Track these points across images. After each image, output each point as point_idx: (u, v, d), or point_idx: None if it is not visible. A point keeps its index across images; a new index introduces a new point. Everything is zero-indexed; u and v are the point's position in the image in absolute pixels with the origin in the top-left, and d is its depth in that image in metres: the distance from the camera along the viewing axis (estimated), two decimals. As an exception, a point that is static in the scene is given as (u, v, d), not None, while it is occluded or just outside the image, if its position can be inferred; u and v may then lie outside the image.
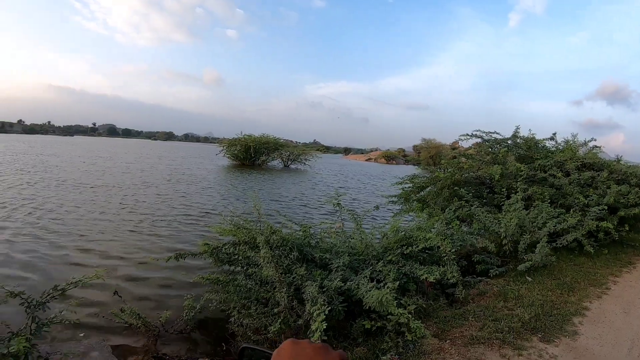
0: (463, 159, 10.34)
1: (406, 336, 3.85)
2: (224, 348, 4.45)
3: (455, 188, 8.70)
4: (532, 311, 4.83)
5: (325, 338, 3.62)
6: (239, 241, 4.99)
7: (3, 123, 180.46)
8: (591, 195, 8.32)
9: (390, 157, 76.98)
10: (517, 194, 7.37)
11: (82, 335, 4.64)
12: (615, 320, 5.10)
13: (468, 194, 7.95)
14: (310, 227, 5.23)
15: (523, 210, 6.89)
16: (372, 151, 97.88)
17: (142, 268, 7.10)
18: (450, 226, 6.22)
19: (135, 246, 8.47)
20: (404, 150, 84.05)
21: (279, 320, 3.91)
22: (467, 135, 10.22)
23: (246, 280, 4.33)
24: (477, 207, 7.41)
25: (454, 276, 4.75)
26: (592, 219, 7.46)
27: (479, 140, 10.35)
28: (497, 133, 10.32)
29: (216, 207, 13.59)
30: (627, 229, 8.31)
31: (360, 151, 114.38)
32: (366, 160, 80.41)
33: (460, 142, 11.71)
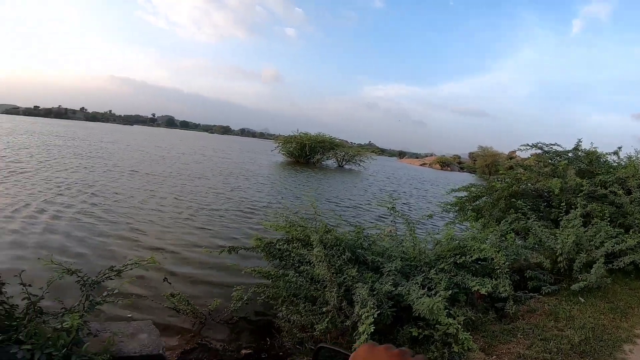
0: (521, 170, 10.35)
1: (453, 347, 4.08)
2: (268, 342, 4.78)
3: (512, 199, 8.78)
4: (582, 334, 5.08)
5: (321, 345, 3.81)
6: (292, 238, 5.29)
7: (67, 110, 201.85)
8: None
9: (445, 163, 78.47)
10: (577, 209, 7.46)
11: (129, 315, 5.07)
12: None
13: (525, 206, 8.03)
14: (363, 229, 5.52)
15: (581, 228, 7.04)
16: (426, 156, 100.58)
17: (193, 258, 7.75)
18: (504, 238, 6.37)
19: (186, 236, 9.23)
20: (459, 157, 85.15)
21: (327, 319, 4.23)
22: (527, 145, 10.27)
23: (297, 277, 4.64)
24: (534, 220, 7.53)
25: (505, 290, 5.00)
26: None
27: (538, 151, 10.37)
28: (557, 145, 10.55)
29: (269, 204, 14.58)
30: None
31: (415, 155, 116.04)
32: (420, 164, 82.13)
33: (518, 152, 11.73)
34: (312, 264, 4.69)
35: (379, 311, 3.98)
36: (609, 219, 8.15)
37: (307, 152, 38.23)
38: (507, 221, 7.51)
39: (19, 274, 3.21)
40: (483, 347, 4.54)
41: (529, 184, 9.76)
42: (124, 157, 25.32)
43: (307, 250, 4.92)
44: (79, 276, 3.57)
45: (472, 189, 10.62)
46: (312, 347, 4.34)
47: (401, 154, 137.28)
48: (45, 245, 7.65)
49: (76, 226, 8.98)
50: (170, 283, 5.46)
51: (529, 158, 11.87)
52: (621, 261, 7.13)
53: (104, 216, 10.08)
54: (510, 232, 6.74)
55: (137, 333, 3.85)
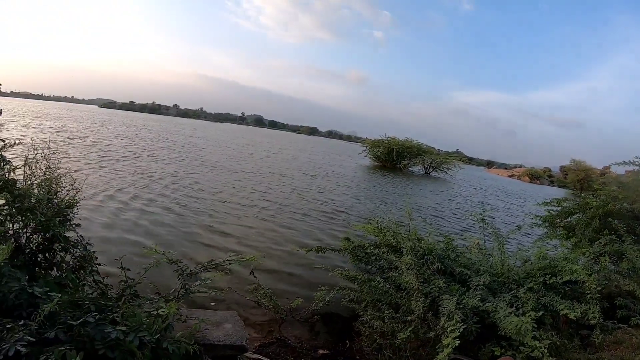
0: (616, 187, 10.23)
1: None
2: (347, 345, 5.07)
3: (608, 219, 8.73)
4: None
5: (454, 356, 4.03)
6: (381, 243, 5.54)
7: (160, 106, 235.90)
8: None
9: (534, 176, 79.54)
10: None
11: (213, 304, 5.50)
12: None
13: (622, 227, 8.03)
14: (452, 239, 5.74)
15: None
16: (515, 167, 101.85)
17: (277, 255, 8.56)
18: (597, 261, 6.44)
19: (271, 233, 10.28)
20: (549, 170, 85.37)
21: (410, 328, 4.52)
22: (624, 162, 10.09)
23: (383, 282, 4.88)
24: (629, 244, 7.51)
25: (595, 317, 5.14)
26: None
27: (635, 167, 10.20)
28: None
29: (353, 206, 15.76)
30: None
31: (504, 166, 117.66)
32: (509, 176, 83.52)
33: (613, 167, 11.58)
34: (399, 271, 4.93)
35: (465, 325, 4.22)
36: None
37: (395, 157, 40.62)
38: (600, 243, 7.55)
39: (119, 258, 3.63)
40: None
41: (625, 204, 9.63)
42: (211, 152, 28.87)
43: (396, 256, 5.18)
44: (178, 266, 4.13)
45: (565, 203, 10.57)
46: (391, 355, 4.59)
47: (489, 164, 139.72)
48: (134, 231, 8.84)
49: (163, 216, 10.36)
50: (256, 277, 5.92)
51: (624, 175, 11.61)
52: None
53: (191, 208, 11.60)
54: (604, 255, 6.77)
55: (222, 322, 4.25)
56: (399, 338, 4.55)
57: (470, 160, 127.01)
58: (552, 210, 10.84)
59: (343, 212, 14.19)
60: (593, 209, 9.55)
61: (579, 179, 56.36)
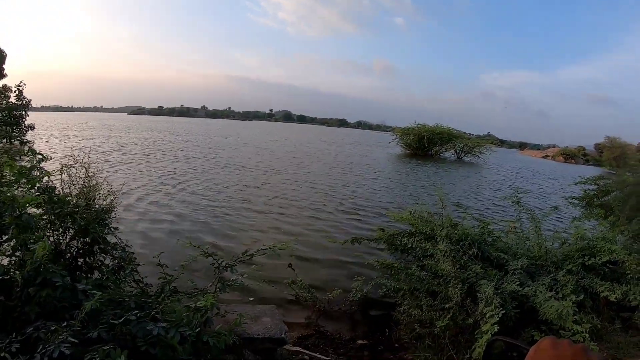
0: None
1: None
2: (387, 333, 5.07)
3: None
4: None
5: (496, 337, 3.96)
6: (415, 231, 5.50)
7: (188, 108, 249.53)
8: None
9: (568, 155, 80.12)
10: None
11: (251, 299, 5.55)
12: None
13: None
14: (488, 224, 5.68)
15: None
16: (549, 147, 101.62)
17: (315, 248, 8.66)
18: (636, 240, 6.34)
19: (306, 227, 10.41)
20: (584, 149, 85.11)
21: (448, 316, 4.45)
22: None
23: (419, 270, 4.85)
24: None
25: (636, 299, 5.00)
26: None
27: None
28: None
29: (386, 197, 15.82)
30: None
31: (537, 147, 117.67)
32: (542, 157, 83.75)
33: None
34: (435, 259, 4.88)
35: (503, 311, 4.17)
36: None
37: (426, 144, 40.59)
38: (638, 219, 7.42)
39: (157, 255, 3.66)
40: (606, 358, 4.62)
41: None
42: (242, 152, 29.54)
43: (431, 244, 5.13)
44: (214, 259, 4.13)
45: (601, 182, 10.45)
46: (430, 343, 4.58)
47: (522, 146, 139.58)
48: (171, 229, 9.24)
49: (195, 211, 10.93)
50: (294, 269, 5.98)
51: None
52: None
53: (222, 204, 12.11)
54: (642, 234, 6.67)
55: (260, 316, 4.28)
56: (438, 326, 4.50)
57: (502, 143, 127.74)
58: (588, 189, 10.75)
59: (377, 203, 14.12)
60: (630, 186, 9.41)
61: (614, 156, 55.56)
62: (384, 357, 4.98)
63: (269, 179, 17.37)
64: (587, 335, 4.20)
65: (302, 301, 5.68)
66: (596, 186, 10.65)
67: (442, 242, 4.84)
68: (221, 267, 4.08)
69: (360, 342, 5.11)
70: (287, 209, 12.15)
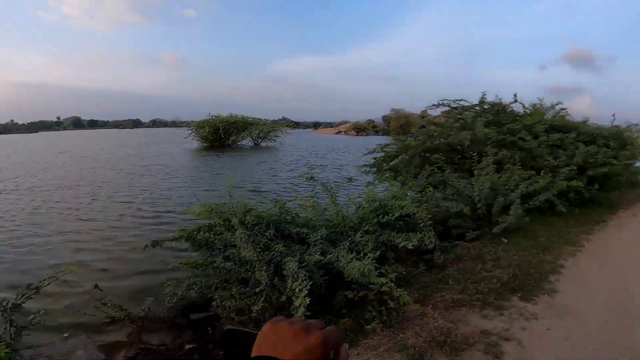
0: (432, 127, 11.48)
1: (389, 304, 4.53)
2: (210, 332, 5.04)
3: (427, 155, 9.67)
4: (510, 272, 5.99)
5: (309, 313, 4.16)
6: (214, 223, 5.53)
7: None
8: (560, 157, 10.17)
9: (360, 129, 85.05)
10: (488, 158, 8.42)
11: (66, 335, 5.24)
12: (591, 276, 6.43)
13: (440, 159, 8.89)
14: (285, 203, 5.87)
15: (495, 174, 8.04)
16: (341, 124, 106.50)
17: (120, 261, 8.06)
18: (423, 193, 7.01)
19: (108, 241, 9.60)
20: (373, 122, 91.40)
21: (261, 299, 4.58)
22: (434, 105, 11.52)
23: (224, 261, 4.95)
24: (449, 172, 8.36)
25: (431, 242, 5.64)
26: (562, 180, 9.15)
27: (447, 108, 11.56)
28: (464, 100, 12.09)
29: (182, 195, 15.21)
30: (596, 187, 10.20)
31: (330, 125, 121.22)
32: (336, 133, 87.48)
33: (429, 111, 13.05)
34: (238, 247, 4.95)
35: (311, 282, 4.39)
36: (520, 163, 9.61)
37: (222, 135, 40.55)
38: (423, 176, 8.34)
39: None
40: (418, 298, 5.13)
41: (441, 139, 10.82)
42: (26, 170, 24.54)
43: (231, 233, 5.19)
44: None
45: (388, 148, 11.57)
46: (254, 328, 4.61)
47: (316, 125, 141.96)
48: None
49: None
50: (101, 290, 5.69)
51: (439, 116, 13.10)
52: (536, 200, 8.33)
53: (9, 235, 10.30)
54: (428, 186, 7.43)
55: (73, 351, 4.08)
56: (255, 311, 4.58)
57: (297, 125, 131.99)
58: (377, 156, 11.93)
59: (177, 202, 13.63)
60: (413, 149, 10.60)
61: (400, 125, 60.89)
62: (215, 354, 4.93)
63: (61, 197, 15.36)
64: (393, 285, 4.55)
65: (118, 321, 5.38)
66: (384, 153, 11.88)
67: (238, 230, 4.95)
68: (9, 310, 3.76)
69: (187, 346, 4.98)
70: (84, 226, 11.08)
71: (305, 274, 4.42)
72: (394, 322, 4.51)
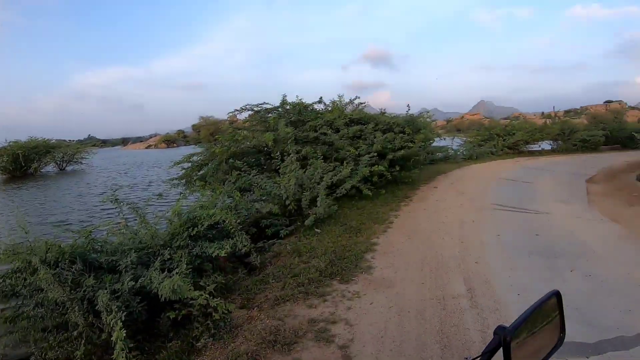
0: (237, 132, 11.77)
1: (214, 316, 4.43)
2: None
3: (232, 160, 9.82)
4: (326, 259, 6.38)
5: (132, 345, 3.91)
6: (16, 268, 4.94)
7: None
8: (361, 146, 11.20)
9: (170, 141, 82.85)
10: (290, 156, 8.68)
11: None
12: (403, 247, 7.16)
13: (243, 164, 9.26)
14: (90, 232, 5.42)
15: (300, 170, 8.45)
16: (150, 137, 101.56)
17: None
18: (232, 198, 7.03)
19: None
20: (183, 132, 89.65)
21: (82, 341, 4.22)
22: (237, 110, 11.89)
23: (36, 309, 4.44)
24: (255, 174, 8.58)
25: (245, 245, 5.69)
26: (365, 166, 10.10)
27: (250, 111, 11.93)
28: (266, 103, 12.63)
29: None
30: (397, 169, 11.46)
31: (140, 139, 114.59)
32: (146, 147, 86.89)
33: (236, 115, 13.42)
34: (45, 290, 4.50)
35: (126, 312, 4.12)
36: (323, 156, 10.46)
37: (22, 163, 34.79)
38: (230, 181, 8.41)
39: None
40: (242, 303, 5.19)
41: (247, 143, 11.05)
42: None
43: (35, 276, 4.68)
44: None
45: (194, 158, 11.59)
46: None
47: (125, 141, 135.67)
48: None
49: None
50: None
51: (246, 120, 13.45)
52: (342, 188, 8.85)
53: None
54: (235, 191, 7.48)
55: None
56: (78, 356, 4.23)
57: (104, 143, 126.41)
58: (186, 167, 12.06)
59: None
60: (219, 156, 10.73)
61: (210, 132, 61.11)
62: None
63: None
64: (210, 296, 4.56)
65: None
66: (191, 163, 12.04)
67: (41, 270, 4.50)
68: None
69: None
70: None
71: (118, 305, 4.17)
72: (223, 333, 4.45)
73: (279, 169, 9.40)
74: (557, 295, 1.10)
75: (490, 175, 15.58)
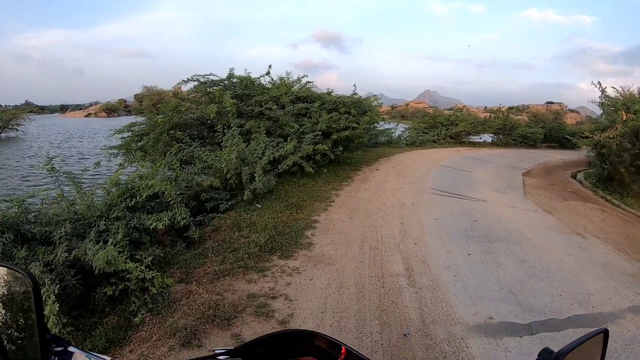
0: (181, 102, 11.71)
1: (151, 290, 4.35)
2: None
3: (172, 131, 9.67)
4: (266, 234, 6.39)
5: (65, 320, 3.80)
6: None
7: None
8: (306, 124, 11.30)
9: (111, 110, 79.56)
10: (233, 129, 8.64)
11: None
12: (343, 226, 7.19)
13: (185, 136, 9.09)
14: (22, 200, 5.16)
15: (242, 144, 8.27)
16: (90, 105, 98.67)
17: None
18: (172, 170, 6.94)
19: None
20: (125, 101, 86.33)
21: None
22: (184, 80, 12.04)
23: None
24: (197, 147, 8.49)
25: (184, 218, 5.66)
26: (308, 144, 10.12)
27: (196, 82, 11.77)
28: (213, 75, 12.28)
29: None
30: (341, 149, 11.72)
31: (79, 107, 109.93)
32: (86, 116, 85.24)
33: (182, 86, 13.14)
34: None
35: (59, 285, 4.03)
36: (267, 131, 10.48)
37: None
38: (172, 153, 8.27)
39: None
40: (181, 277, 5.12)
41: (190, 114, 10.89)
42: None
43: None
44: None
45: (135, 127, 11.31)
46: None
47: (63, 108, 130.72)
48: None
49: None
50: None
51: (192, 92, 13.19)
52: (284, 164, 8.85)
53: None
54: (175, 163, 7.37)
55: None
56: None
57: (42, 109, 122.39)
58: (124, 137, 11.62)
59: None
60: (160, 126, 10.53)
61: (153, 103, 59.83)
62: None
63: None
64: (147, 268, 4.50)
65: None
66: (131, 132, 11.63)
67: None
68: None
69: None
70: None
71: (52, 278, 4.02)
72: (162, 308, 4.36)
73: (222, 142, 9.30)
74: (605, 333, 1.08)
75: (431, 162, 15.91)
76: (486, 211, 8.65)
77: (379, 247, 6.20)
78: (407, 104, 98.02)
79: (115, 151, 11.57)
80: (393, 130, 22.56)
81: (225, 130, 9.52)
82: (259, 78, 13.07)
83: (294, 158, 9.48)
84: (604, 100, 14.93)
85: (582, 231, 7.74)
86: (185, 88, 13.53)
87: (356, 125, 12.21)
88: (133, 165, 8.50)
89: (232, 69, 12.51)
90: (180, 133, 9.62)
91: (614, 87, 15.69)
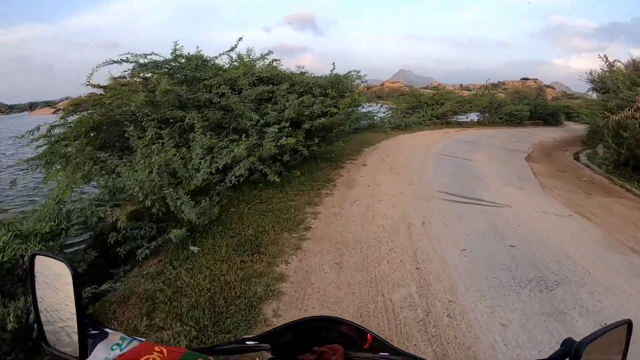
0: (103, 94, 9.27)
1: None
2: None
3: (94, 133, 7.73)
4: (196, 319, 3.72)
5: None
6: None
7: None
8: (269, 113, 8.56)
9: (79, 105, 76.06)
10: (148, 130, 6.71)
11: None
12: (327, 288, 4.43)
13: (103, 140, 7.34)
14: None
15: (171, 151, 5.56)
16: (62, 101, 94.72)
17: None
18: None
19: None
20: (96, 95, 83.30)
21: None
22: (114, 60, 8.77)
23: None
24: (118, 157, 6.05)
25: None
26: (271, 141, 7.50)
27: (134, 65, 8.99)
28: (155, 54, 9.08)
29: None
30: (317, 142, 9.00)
31: (48, 104, 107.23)
32: (53, 112, 77.69)
33: (110, 69, 9.87)
34: None
35: None
36: (214, 127, 7.93)
37: None
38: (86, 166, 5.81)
39: None
40: None
41: (123, 108, 7.84)
42: None
43: None
44: None
45: (55, 130, 8.72)
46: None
47: (32, 106, 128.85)
48: None
49: None
50: None
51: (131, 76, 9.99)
52: (233, 175, 6.51)
53: None
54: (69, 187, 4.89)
55: None
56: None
57: (11, 109, 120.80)
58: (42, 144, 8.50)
59: None
60: (77, 128, 7.77)
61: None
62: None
63: None
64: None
65: None
66: (46, 139, 8.45)
67: None
68: None
69: None
70: None
71: None
72: None
73: (136, 149, 6.42)
74: (629, 324, 0.94)
75: (424, 149, 13.91)
76: (518, 225, 6.35)
77: (393, 338, 3.47)
78: (382, 84, 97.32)
79: (36, 162, 8.47)
80: (374, 114, 20.67)
81: (142, 133, 6.76)
82: (215, 58, 10.17)
83: (247, 163, 6.51)
84: (609, 74, 13.91)
85: (636, 245, 5.92)
86: (117, 73, 10.30)
87: (335, 110, 9.59)
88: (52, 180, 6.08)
89: (178, 46, 9.31)
90: (97, 134, 7.24)
91: (619, 61, 15.01)
